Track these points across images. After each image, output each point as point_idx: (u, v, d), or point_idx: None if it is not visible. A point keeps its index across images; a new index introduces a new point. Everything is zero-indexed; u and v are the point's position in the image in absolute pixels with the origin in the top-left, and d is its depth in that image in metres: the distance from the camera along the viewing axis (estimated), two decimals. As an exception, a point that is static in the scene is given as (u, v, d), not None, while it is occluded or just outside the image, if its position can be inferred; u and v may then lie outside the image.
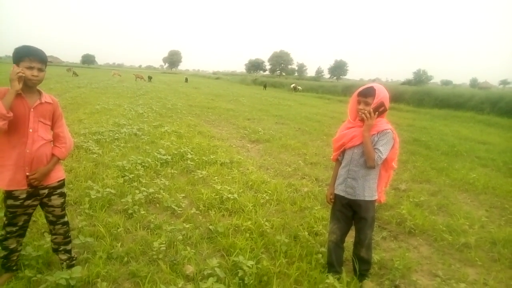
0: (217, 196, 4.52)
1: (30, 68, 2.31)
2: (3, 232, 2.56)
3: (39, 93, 2.47)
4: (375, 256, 3.29)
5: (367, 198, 2.76)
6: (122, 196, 4.30)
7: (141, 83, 33.92)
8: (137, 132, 8.29)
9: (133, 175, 5.04)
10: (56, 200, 2.60)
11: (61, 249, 2.76)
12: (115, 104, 13.85)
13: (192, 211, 4.08)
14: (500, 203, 5.25)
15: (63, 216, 2.69)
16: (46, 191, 2.53)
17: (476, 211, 4.91)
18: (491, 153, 8.99)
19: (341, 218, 2.90)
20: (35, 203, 2.54)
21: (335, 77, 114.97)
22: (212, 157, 6.49)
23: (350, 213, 2.88)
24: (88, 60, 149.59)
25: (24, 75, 2.25)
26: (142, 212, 3.91)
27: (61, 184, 2.63)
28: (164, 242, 3.22)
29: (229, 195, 4.51)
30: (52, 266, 2.86)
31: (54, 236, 2.72)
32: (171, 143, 7.35)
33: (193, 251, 3.15)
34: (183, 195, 4.61)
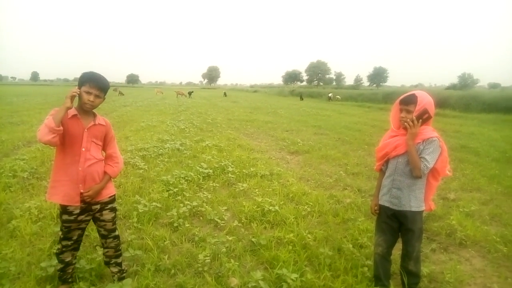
0: (258, 209, 4.56)
1: (88, 93, 2.47)
2: (59, 246, 2.72)
3: (94, 115, 2.63)
4: (424, 269, 3.17)
5: (413, 209, 2.67)
6: (167, 210, 4.45)
7: (182, 99, 34.96)
8: (180, 147, 8.54)
9: (177, 189, 5.19)
10: (107, 215, 2.72)
11: (112, 262, 2.88)
12: (159, 121, 14.37)
13: (235, 224, 4.14)
14: (561, 212, 4.88)
15: (114, 230, 2.82)
16: (98, 206, 2.67)
17: (534, 221, 4.59)
18: (548, 158, 8.39)
19: (386, 230, 2.82)
20: (87, 218, 2.69)
21: (374, 85, 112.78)
22: (252, 169, 6.55)
23: (396, 224, 2.79)
24: (132, 79, 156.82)
25: (77, 94, 2.41)
26: (187, 225, 4.02)
27: (112, 199, 2.76)
28: (208, 255, 3.29)
29: (270, 207, 4.53)
30: (104, 278, 2.99)
31: (106, 250, 2.84)
32: (212, 157, 7.50)
33: (237, 263, 3.19)
34: (225, 208, 4.69)
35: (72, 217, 2.59)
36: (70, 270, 2.80)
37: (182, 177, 5.77)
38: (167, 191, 5.13)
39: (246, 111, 21.32)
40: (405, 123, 2.58)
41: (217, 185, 5.70)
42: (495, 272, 3.33)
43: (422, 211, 2.73)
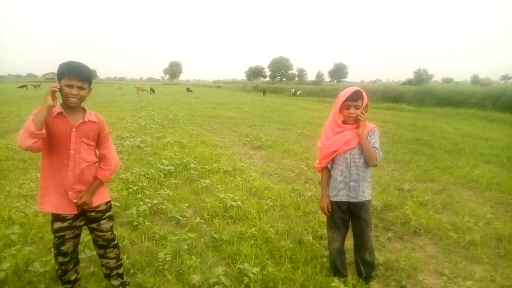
0: (221, 204, 4.54)
1: (70, 86, 2.18)
2: (57, 267, 2.46)
3: (84, 111, 2.35)
4: (381, 258, 3.28)
5: (367, 198, 2.83)
6: (126, 209, 4.33)
7: (142, 95, 34.13)
8: (140, 144, 8.35)
9: (137, 187, 5.07)
10: (105, 224, 2.50)
11: (113, 274, 2.65)
12: (118, 117, 13.95)
13: (197, 220, 4.11)
14: (505, 199, 5.22)
15: (113, 239, 2.59)
16: (93, 213, 2.43)
17: (481, 208, 4.88)
18: (494, 149, 8.95)
19: (341, 225, 2.91)
20: (81, 223, 2.45)
21: (335, 80, 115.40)
22: (215, 165, 6.52)
23: (348, 216, 2.90)
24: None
25: (57, 90, 2.12)
26: (147, 224, 3.93)
27: (109, 207, 2.54)
28: (169, 253, 3.24)
29: (233, 203, 4.53)
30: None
31: (105, 261, 2.61)
32: (174, 153, 7.39)
33: (199, 260, 3.17)
34: (187, 204, 4.63)
35: (66, 224, 2.32)
36: (78, 286, 2.59)
37: (142, 175, 5.64)
38: (127, 189, 5.00)
39: (209, 107, 21.16)
40: (360, 117, 2.69)
41: (179, 182, 5.63)
42: (446, 258, 3.51)
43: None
